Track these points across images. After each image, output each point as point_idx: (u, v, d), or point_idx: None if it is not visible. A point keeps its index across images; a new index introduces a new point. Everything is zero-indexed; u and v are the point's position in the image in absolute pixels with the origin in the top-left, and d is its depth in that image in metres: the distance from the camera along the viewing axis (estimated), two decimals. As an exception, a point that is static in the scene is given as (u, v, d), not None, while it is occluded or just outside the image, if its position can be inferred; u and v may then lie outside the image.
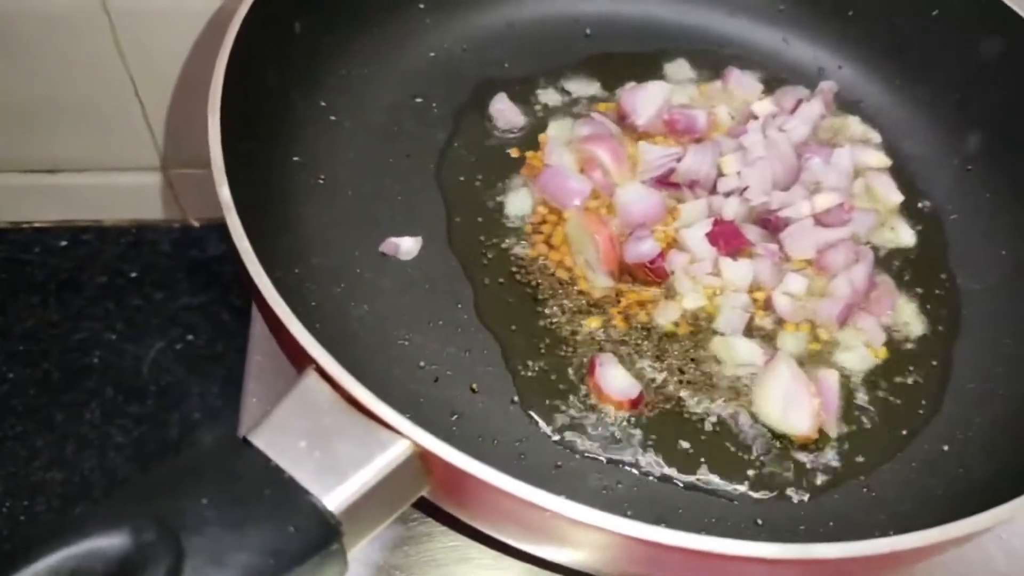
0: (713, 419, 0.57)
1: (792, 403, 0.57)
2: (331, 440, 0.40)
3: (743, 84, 0.75)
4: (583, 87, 0.76)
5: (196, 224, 1.06)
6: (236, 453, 0.39)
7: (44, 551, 0.33)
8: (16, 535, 0.84)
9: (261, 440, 0.40)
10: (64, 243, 1.05)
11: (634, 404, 0.57)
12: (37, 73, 0.88)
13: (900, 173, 0.72)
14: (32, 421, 0.94)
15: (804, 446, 0.57)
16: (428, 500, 0.48)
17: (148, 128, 0.95)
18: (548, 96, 0.74)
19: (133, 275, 1.04)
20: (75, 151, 0.98)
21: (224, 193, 0.48)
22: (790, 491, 0.55)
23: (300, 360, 0.44)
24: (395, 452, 0.40)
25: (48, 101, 0.91)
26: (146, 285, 1.03)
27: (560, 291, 0.62)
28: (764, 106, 0.71)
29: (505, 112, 0.72)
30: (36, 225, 1.06)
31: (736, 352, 0.59)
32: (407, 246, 0.64)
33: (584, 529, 0.39)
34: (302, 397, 0.42)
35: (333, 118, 0.68)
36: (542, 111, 0.73)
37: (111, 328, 1.00)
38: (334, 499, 0.39)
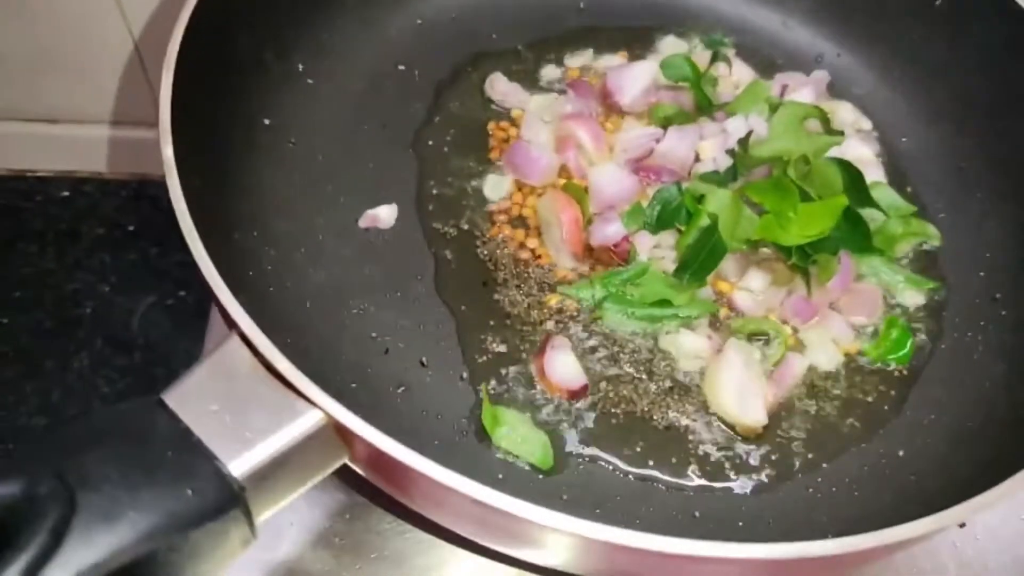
0: (662, 411, 0.57)
1: (746, 393, 0.55)
2: (245, 406, 0.40)
3: (737, 68, 0.73)
4: (573, 60, 0.74)
5: (195, 181, 1.07)
6: (148, 413, 0.39)
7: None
8: None
9: (174, 401, 0.40)
10: (65, 193, 1.07)
11: (574, 395, 0.56)
12: (37, 25, 0.88)
13: (892, 167, 0.70)
14: (22, 366, 0.95)
15: (752, 439, 0.56)
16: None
17: (147, 83, 0.95)
18: (539, 69, 0.73)
19: (131, 228, 1.05)
20: (76, 103, 0.98)
21: (167, 153, 0.47)
22: (733, 485, 0.54)
23: (227, 324, 0.43)
24: (308, 422, 0.40)
25: (49, 53, 0.92)
26: (142, 239, 1.04)
27: (521, 271, 0.62)
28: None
29: (504, 90, 0.70)
30: (38, 174, 1.07)
31: (682, 346, 0.58)
32: (385, 215, 0.63)
33: (483, 509, 0.39)
34: (222, 361, 0.42)
35: (310, 82, 0.68)
36: (532, 86, 0.72)
37: (105, 280, 1.02)
38: (240, 465, 0.39)
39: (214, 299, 0.44)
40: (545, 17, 0.76)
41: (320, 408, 0.40)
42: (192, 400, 0.40)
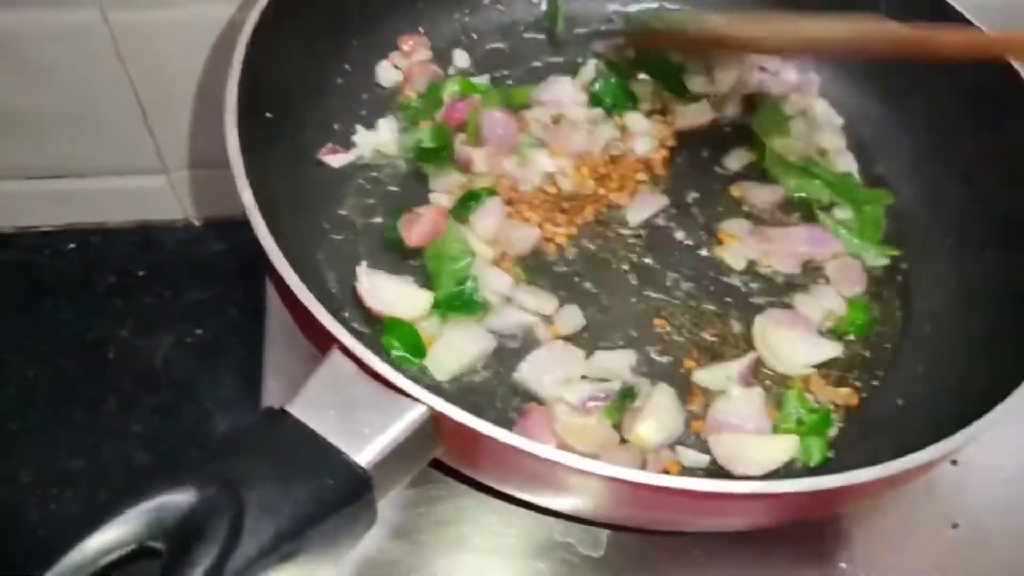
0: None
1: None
2: (357, 407, 0.46)
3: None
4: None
5: (197, 223, 1.11)
6: (278, 422, 0.45)
7: (122, 506, 0.39)
8: (50, 520, 0.89)
9: (297, 410, 0.46)
10: (72, 245, 1.10)
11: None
12: (41, 84, 0.91)
13: (859, 152, 0.79)
14: (53, 414, 0.98)
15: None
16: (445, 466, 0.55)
17: (149, 133, 0.99)
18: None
19: (141, 274, 1.08)
20: (79, 157, 1.01)
21: (247, 198, 0.53)
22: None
23: (325, 341, 0.49)
24: (414, 415, 0.47)
25: (52, 110, 0.95)
26: (154, 283, 1.08)
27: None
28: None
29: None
30: (43, 229, 1.10)
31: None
32: None
33: (561, 471, 0.46)
34: (329, 373, 0.48)
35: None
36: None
37: (122, 325, 1.05)
38: (364, 456, 0.45)
39: (308, 321, 0.50)
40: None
41: (423, 402, 0.47)
42: (312, 407, 0.46)
